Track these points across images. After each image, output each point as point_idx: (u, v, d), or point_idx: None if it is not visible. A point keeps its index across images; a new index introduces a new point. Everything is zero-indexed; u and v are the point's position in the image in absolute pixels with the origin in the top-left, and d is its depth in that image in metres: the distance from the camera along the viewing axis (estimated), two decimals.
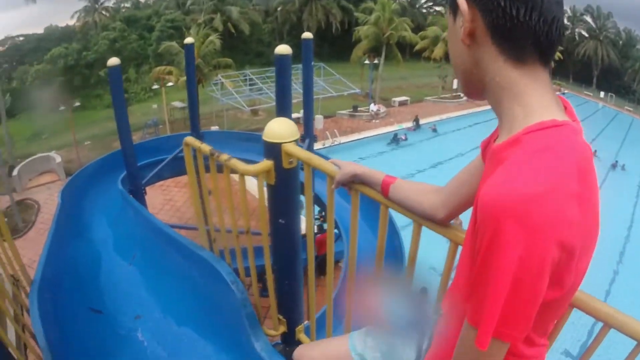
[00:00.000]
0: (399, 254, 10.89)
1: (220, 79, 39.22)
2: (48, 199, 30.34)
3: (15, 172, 33.47)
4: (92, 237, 8.83)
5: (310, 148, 11.81)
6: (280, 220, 3.66)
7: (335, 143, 37.19)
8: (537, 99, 1.48)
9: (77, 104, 46.49)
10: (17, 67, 62.25)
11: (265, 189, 3.61)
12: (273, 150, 3.24)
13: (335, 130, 38.71)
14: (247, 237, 3.90)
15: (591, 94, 78.17)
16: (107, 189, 11.03)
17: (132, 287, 6.66)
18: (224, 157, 3.59)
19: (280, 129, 3.21)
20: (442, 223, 2.32)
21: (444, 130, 43.30)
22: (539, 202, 1.24)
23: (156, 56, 54.67)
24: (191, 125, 13.64)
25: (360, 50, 49.69)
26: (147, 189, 11.69)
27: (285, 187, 3.47)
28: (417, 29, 57.59)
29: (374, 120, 43.16)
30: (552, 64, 1.53)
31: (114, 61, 9.68)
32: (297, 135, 3.24)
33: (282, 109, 9.38)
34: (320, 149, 33.55)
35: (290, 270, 4.06)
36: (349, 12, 62.98)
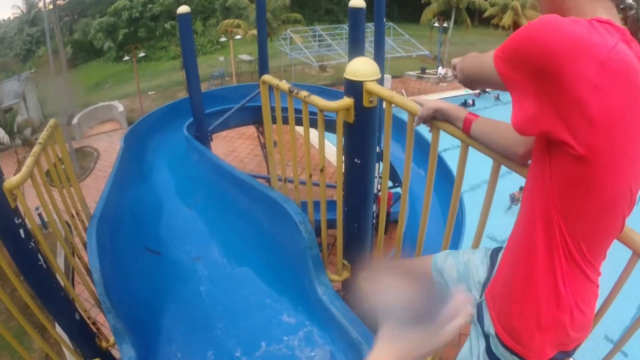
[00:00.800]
0: (460, 222, 10.86)
1: (289, 34, 38.99)
2: (108, 147, 30.63)
3: (75, 121, 33.76)
4: (154, 181, 8.91)
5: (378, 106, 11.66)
6: (356, 160, 3.66)
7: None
8: (601, 12, 1.66)
9: (142, 54, 46.72)
10: (79, 20, 62.65)
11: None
12: (354, 88, 3.23)
13: (402, 90, 38.09)
14: (321, 177, 3.92)
15: None
16: (171, 135, 11.07)
17: (192, 230, 6.70)
18: (304, 93, 3.60)
19: (363, 68, 3.19)
20: (522, 161, 2.33)
21: (507, 99, 42.14)
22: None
23: (223, 10, 54.47)
24: (260, 74, 13.59)
25: (430, 12, 48.90)
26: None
27: (364, 126, 3.46)
28: None
29: (441, 84, 42.42)
30: None
31: (183, 9, 9.63)
32: (379, 75, 3.22)
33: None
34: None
35: (361, 212, 4.05)
36: None
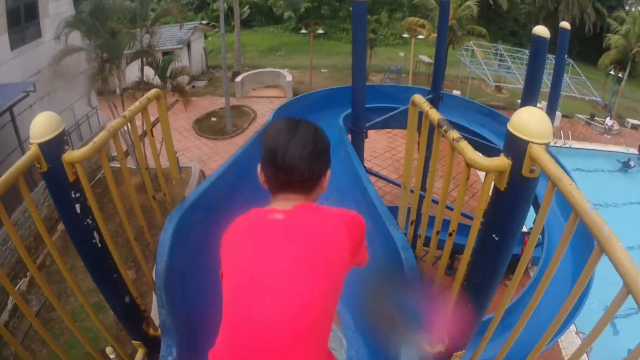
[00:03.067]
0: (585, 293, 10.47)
1: (471, 46, 38.56)
2: (267, 111, 31.03)
3: (239, 79, 34.35)
4: None
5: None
6: (493, 236, 2.86)
7: (566, 145, 35.49)
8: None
9: (321, 31, 46.91)
10: None
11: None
12: (515, 147, 2.41)
13: (569, 132, 37.00)
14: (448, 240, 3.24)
15: None
16: (325, 121, 10.82)
17: None
18: (454, 134, 2.83)
19: (532, 122, 2.35)
20: None
21: None
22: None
23: (411, 6, 54.19)
24: (432, 83, 13.17)
25: (607, 58, 47.05)
26: (372, 132, 11.25)
27: (515, 198, 2.62)
28: None
29: (605, 135, 41.06)
30: None
31: None
32: (551, 137, 2.40)
33: (529, 93, 8.53)
34: (551, 146, 32.35)
35: (481, 294, 3.31)
36: (602, 16, 60.21)
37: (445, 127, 2.91)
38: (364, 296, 4.56)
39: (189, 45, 39.03)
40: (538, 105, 38.66)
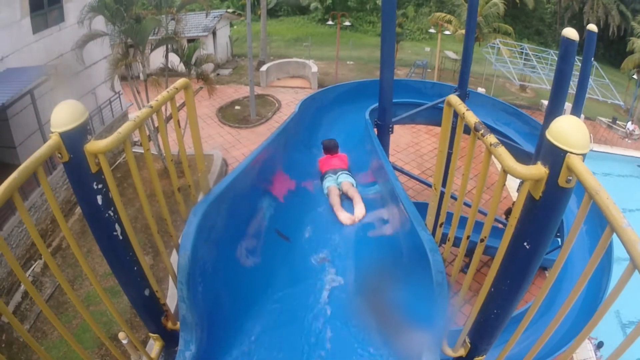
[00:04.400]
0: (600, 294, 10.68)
1: (497, 43, 38.28)
2: (291, 101, 31.07)
3: (264, 68, 34.42)
4: (318, 154, 8.66)
5: None
6: (525, 244, 2.77)
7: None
8: None
9: (348, 23, 46.80)
10: None
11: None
12: (553, 156, 2.33)
13: (591, 134, 36.61)
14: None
15: None
16: (352, 114, 10.84)
17: (333, 228, 6.32)
18: (491, 139, 2.74)
19: (571, 132, 2.27)
20: None
21: None
22: None
23: (438, 1, 54.24)
24: (459, 80, 13.13)
25: (631, 62, 46.67)
26: (396, 126, 11.23)
27: (549, 207, 2.54)
28: None
29: (627, 140, 40.79)
30: None
31: None
32: (588, 148, 2.31)
33: (556, 96, 8.42)
34: None
35: (507, 301, 3.23)
36: (626, 19, 59.67)
37: (482, 131, 2.83)
38: (388, 296, 4.53)
39: (214, 33, 38.94)
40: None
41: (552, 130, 2.33)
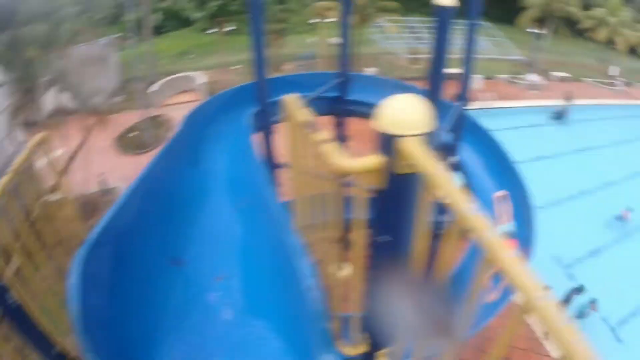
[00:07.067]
0: (528, 244, 10.60)
1: (382, 22, 38.64)
2: None
3: (153, 88, 34.17)
4: (210, 169, 8.54)
5: (462, 112, 10.89)
6: (384, 237, 2.61)
7: (491, 106, 35.92)
8: None
9: (231, 27, 46.52)
10: None
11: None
12: (385, 144, 2.13)
13: (492, 93, 37.36)
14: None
15: None
16: (236, 121, 10.65)
17: (227, 238, 6.25)
18: (319, 136, 2.51)
19: (400, 113, 2.08)
20: None
21: (595, 116, 41.59)
22: None
23: None
24: (340, 65, 12.92)
25: (526, 17, 48.14)
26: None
27: (395, 197, 2.35)
28: (585, 7, 55.72)
29: (531, 91, 41.84)
30: None
31: None
32: (425, 126, 2.10)
33: (435, 69, 8.23)
34: (474, 108, 32.85)
35: (384, 294, 3.00)
36: None
37: (310, 130, 2.60)
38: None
39: (104, 62, 38.32)
40: (456, 70, 39.53)
41: (379, 118, 2.12)
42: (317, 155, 2.63)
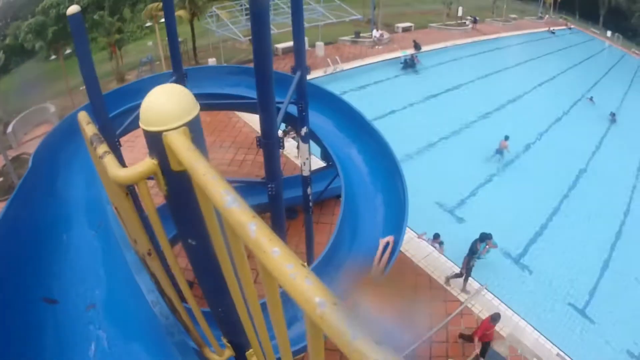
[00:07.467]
0: (401, 195, 10.82)
1: (215, 11, 38.51)
2: None
3: (9, 129, 33.33)
4: (68, 197, 8.42)
5: (302, 81, 10.76)
6: (190, 241, 2.50)
7: (338, 70, 36.44)
8: None
9: (68, 51, 45.56)
10: (11, 23, 61.50)
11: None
12: (154, 143, 2.00)
13: (337, 57, 37.75)
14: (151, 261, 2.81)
15: (597, 32, 74.44)
16: (83, 146, 10.31)
17: (91, 263, 6.12)
18: (100, 150, 2.35)
19: (160, 106, 1.94)
20: None
21: (448, 58, 42.61)
22: None
23: None
24: (172, 65, 12.75)
25: None
26: (135, 137, 10.75)
27: (182, 198, 2.21)
28: None
29: (377, 47, 42.47)
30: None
31: (73, 9, 8.78)
32: (187, 114, 1.96)
33: (258, 43, 7.97)
34: (320, 77, 32.92)
35: (221, 297, 2.90)
36: None
37: (94, 144, 2.45)
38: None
39: None
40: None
41: (142, 116, 2.00)
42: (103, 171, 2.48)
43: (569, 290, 18.99)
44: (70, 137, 10.78)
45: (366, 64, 38.09)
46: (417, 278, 16.21)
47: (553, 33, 60.77)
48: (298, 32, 10.85)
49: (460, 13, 54.18)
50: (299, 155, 17.99)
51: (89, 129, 2.69)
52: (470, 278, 16.55)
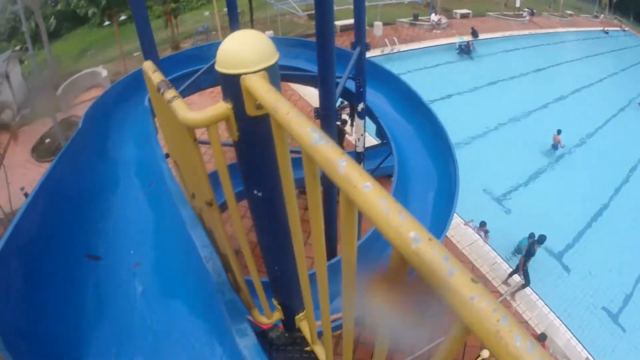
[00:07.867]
0: (452, 180, 10.58)
1: None
2: None
3: (59, 91, 33.47)
4: (117, 160, 8.24)
5: (361, 57, 10.71)
6: (255, 192, 2.42)
7: (395, 50, 36.17)
8: None
9: (123, 17, 45.80)
10: None
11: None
12: (230, 86, 1.94)
13: (394, 38, 37.38)
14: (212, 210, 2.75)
15: None
16: (139, 105, 10.61)
17: (138, 224, 6.04)
18: (169, 94, 2.29)
19: (236, 52, 1.89)
20: None
21: (504, 48, 42.14)
22: None
23: None
24: (230, 30, 12.71)
25: None
26: (198, 97, 10.76)
27: (254, 145, 2.16)
28: None
29: (435, 31, 42.09)
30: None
31: None
32: (267, 59, 1.91)
33: (321, 17, 7.92)
34: (377, 56, 32.78)
35: (280, 254, 2.88)
36: None
37: (162, 90, 2.39)
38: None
39: (7, 77, 37.34)
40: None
41: (219, 59, 1.94)
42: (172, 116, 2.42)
43: (605, 294, 18.70)
44: (123, 100, 10.82)
45: (423, 47, 37.78)
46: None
47: (607, 33, 59.55)
48: (359, 8, 10.80)
49: (518, 4, 53.44)
50: (352, 132, 17.92)
51: (156, 76, 2.63)
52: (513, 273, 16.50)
